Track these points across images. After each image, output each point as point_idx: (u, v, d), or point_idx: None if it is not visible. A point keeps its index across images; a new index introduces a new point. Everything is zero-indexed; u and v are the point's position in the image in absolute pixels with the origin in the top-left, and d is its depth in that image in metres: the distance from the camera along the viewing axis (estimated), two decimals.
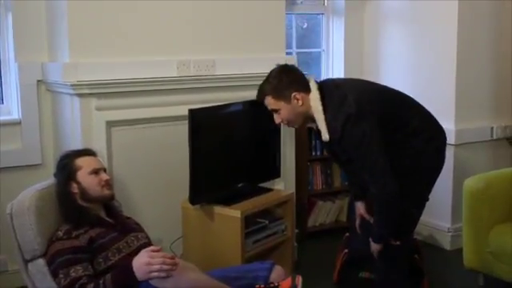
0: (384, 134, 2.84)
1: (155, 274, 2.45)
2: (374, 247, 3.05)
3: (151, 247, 2.61)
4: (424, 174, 3.05)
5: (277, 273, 2.81)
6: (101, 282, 2.51)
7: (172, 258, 2.52)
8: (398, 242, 3.04)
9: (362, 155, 2.83)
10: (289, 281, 2.67)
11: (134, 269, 2.49)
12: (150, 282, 2.47)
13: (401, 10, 4.82)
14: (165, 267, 2.46)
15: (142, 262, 2.49)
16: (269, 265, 2.85)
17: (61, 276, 2.57)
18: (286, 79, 2.94)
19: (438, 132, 3.11)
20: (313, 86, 2.94)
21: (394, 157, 2.88)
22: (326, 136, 2.86)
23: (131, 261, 2.52)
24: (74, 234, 2.69)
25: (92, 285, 2.51)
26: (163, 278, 2.46)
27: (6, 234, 2.92)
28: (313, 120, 2.94)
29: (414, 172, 2.99)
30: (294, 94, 2.91)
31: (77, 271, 2.56)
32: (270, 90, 2.95)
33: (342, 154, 2.99)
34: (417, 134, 3.00)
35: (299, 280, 2.68)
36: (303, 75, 3.03)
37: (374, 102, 2.90)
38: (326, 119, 2.85)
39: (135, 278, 2.48)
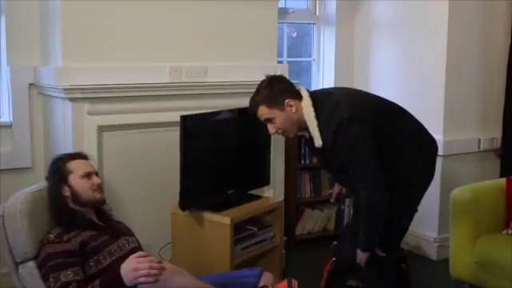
0: (375, 142, 2.85)
1: (143, 279, 2.46)
2: (361, 256, 3.04)
3: (139, 253, 2.61)
4: (414, 185, 3.05)
5: (266, 279, 2.82)
6: (89, 287, 2.52)
7: (159, 262, 2.53)
8: (383, 254, 3.04)
9: (354, 160, 2.82)
10: (285, 283, 2.67)
11: (122, 274, 2.49)
12: (138, 287, 2.48)
13: (391, 21, 4.87)
14: (152, 272, 2.46)
15: (129, 268, 2.49)
16: (258, 271, 2.86)
17: (51, 280, 2.57)
18: (277, 87, 2.94)
19: (429, 142, 3.11)
20: (304, 94, 2.94)
21: (385, 166, 2.88)
22: (319, 142, 2.86)
23: (119, 266, 2.53)
24: (66, 237, 2.69)
25: None
26: (151, 283, 2.46)
27: None
28: (306, 128, 2.93)
29: (404, 182, 2.99)
30: (287, 101, 2.89)
31: (67, 276, 2.55)
32: (263, 100, 2.92)
33: (334, 162, 2.96)
34: (408, 144, 2.99)
35: (295, 284, 2.67)
36: (292, 84, 3.04)
37: (366, 110, 2.90)
38: (319, 125, 2.85)
39: (123, 284, 2.48)
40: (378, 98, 3.15)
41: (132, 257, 2.55)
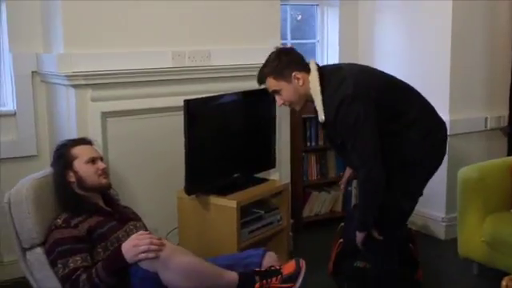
0: (380, 122, 2.81)
1: (143, 255, 2.46)
2: (358, 237, 3.02)
3: (141, 231, 2.63)
4: (418, 169, 2.99)
5: (269, 259, 2.81)
6: (93, 270, 2.53)
7: (159, 239, 2.53)
8: (380, 237, 3.00)
9: (354, 136, 2.79)
10: (292, 264, 2.64)
11: (124, 252, 2.50)
12: (139, 264, 2.48)
13: (395, 1, 4.83)
14: (152, 247, 2.46)
15: (130, 245, 2.50)
16: (261, 251, 2.86)
17: (59, 266, 2.58)
18: (285, 59, 2.93)
19: (436, 126, 3.03)
20: (313, 67, 2.92)
21: (388, 148, 2.85)
22: (321, 117, 2.84)
23: (120, 245, 2.54)
24: (73, 222, 2.70)
25: (85, 275, 2.52)
26: (152, 259, 2.46)
27: (2, 225, 2.93)
28: (312, 101, 2.91)
29: (407, 165, 2.94)
30: (294, 74, 2.89)
31: (75, 262, 2.57)
32: (271, 71, 2.93)
33: (336, 137, 2.94)
34: (413, 127, 2.92)
35: (303, 264, 2.65)
36: (302, 57, 3.00)
37: (373, 87, 2.86)
38: (323, 100, 2.83)
39: (125, 261, 2.49)
40: (388, 77, 3.07)
41: (134, 235, 2.58)
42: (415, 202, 3.09)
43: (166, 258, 2.47)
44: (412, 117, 2.93)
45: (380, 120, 2.81)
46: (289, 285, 2.58)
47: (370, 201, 2.89)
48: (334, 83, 2.84)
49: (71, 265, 2.56)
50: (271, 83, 2.95)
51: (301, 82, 2.89)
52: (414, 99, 3.02)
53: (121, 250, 2.51)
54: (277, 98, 3.00)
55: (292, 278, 2.60)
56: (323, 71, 2.91)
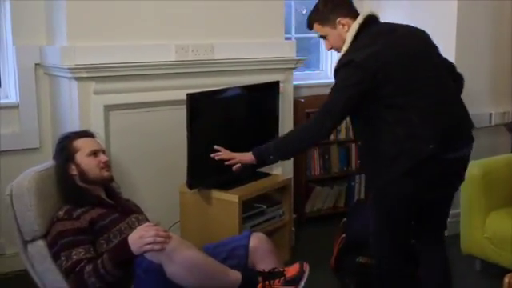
0: (375, 103, 2.66)
1: (149, 246, 2.46)
2: (247, 159, 2.98)
3: (147, 223, 2.64)
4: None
5: (256, 239, 2.82)
6: (99, 261, 2.52)
7: (165, 231, 2.54)
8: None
9: (332, 91, 2.70)
10: (296, 267, 2.63)
11: (130, 243, 2.50)
12: (145, 255, 2.48)
13: (400, 0, 4.80)
14: (158, 239, 2.46)
15: (136, 236, 2.51)
16: (247, 232, 2.88)
17: (62, 258, 2.58)
18: (331, 5, 2.87)
19: (431, 139, 2.62)
20: (359, 18, 2.81)
21: (369, 135, 2.74)
22: (335, 65, 2.79)
23: (127, 237, 2.54)
24: (75, 214, 2.70)
25: (91, 266, 2.52)
26: (157, 251, 2.46)
27: (4, 218, 2.93)
28: None
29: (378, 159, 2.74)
30: (338, 20, 2.82)
31: (78, 253, 2.57)
32: (316, 17, 2.88)
33: None
34: (404, 127, 2.64)
35: (307, 267, 2.63)
36: (351, 4, 2.92)
37: (387, 68, 2.64)
38: (345, 51, 2.77)
39: (131, 252, 2.49)
40: (428, 66, 2.78)
41: (140, 226, 2.58)
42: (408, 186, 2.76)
43: (172, 251, 2.47)
44: (410, 116, 2.66)
45: (376, 101, 2.67)
46: (291, 287, 2.58)
47: (299, 144, 2.89)
48: (361, 43, 2.75)
49: (74, 257, 2.56)
50: (318, 29, 2.90)
51: (346, 28, 2.82)
52: (423, 102, 2.69)
53: (127, 242, 2.51)
54: (325, 42, 2.94)
55: (295, 280, 2.59)
56: (368, 26, 2.81)
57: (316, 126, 2.76)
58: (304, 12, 5.20)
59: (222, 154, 3.10)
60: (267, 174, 3.78)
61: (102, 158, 2.89)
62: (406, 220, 2.92)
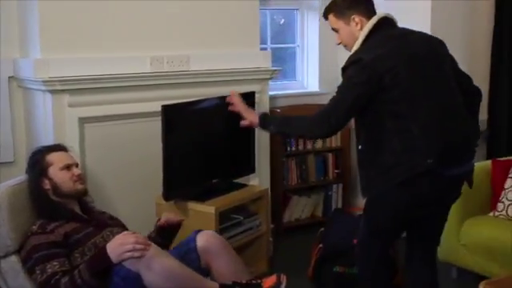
0: (378, 109, 2.64)
1: (129, 254, 2.46)
2: (253, 119, 3.00)
3: (125, 231, 2.64)
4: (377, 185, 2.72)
5: (203, 239, 2.85)
6: (76, 272, 2.51)
7: (145, 238, 2.54)
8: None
9: (339, 89, 2.68)
10: (273, 278, 2.64)
11: (109, 252, 2.49)
12: (123, 263, 2.47)
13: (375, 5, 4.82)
14: (138, 246, 2.46)
15: (115, 244, 2.50)
16: (193, 233, 2.90)
17: (37, 272, 2.56)
18: (350, 0, 2.84)
19: (430, 154, 2.57)
20: (374, 18, 2.79)
21: (368, 141, 2.72)
22: (343, 64, 2.77)
23: (105, 245, 2.53)
24: (49, 228, 2.69)
25: (67, 277, 2.50)
26: (136, 258, 2.45)
27: None
28: None
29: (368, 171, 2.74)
30: (353, 16, 2.79)
31: (53, 267, 2.55)
32: (333, 9, 2.86)
33: None
34: (404, 138, 2.60)
35: (284, 278, 2.64)
36: (370, 2, 2.88)
37: (398, 72, 2.60)
38: (355, 50, 2.76)
39: (110, 261, 2.48)
40: (438, 79, 2.71)
41: (118, 235, 2.58)
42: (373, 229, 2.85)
43: (150, 259, 2.48)
44: (411, 127, 2.60)
45: (379, 110, 2.65)
46: None
47: (298, 131, 2.96)
48: (372, 44, 2.73)
49: (49, 270, 2.54)
50: (331, 20, 2.88)
51: (358, 26, 2.79)
52: (425, 114, 2.61)
53: (106, 250, 2.50)
54: (336, 35, 2.90)
55: None
56: (382, 27, 2.78)
57: (319, 122, 2.71)
58: (282, 22, 5.23)
59: (235, 100, 3.12)
60: (244, 185, 3.79)
61: (76, 171, 2.88)
62: (396, 231, 2.91)
